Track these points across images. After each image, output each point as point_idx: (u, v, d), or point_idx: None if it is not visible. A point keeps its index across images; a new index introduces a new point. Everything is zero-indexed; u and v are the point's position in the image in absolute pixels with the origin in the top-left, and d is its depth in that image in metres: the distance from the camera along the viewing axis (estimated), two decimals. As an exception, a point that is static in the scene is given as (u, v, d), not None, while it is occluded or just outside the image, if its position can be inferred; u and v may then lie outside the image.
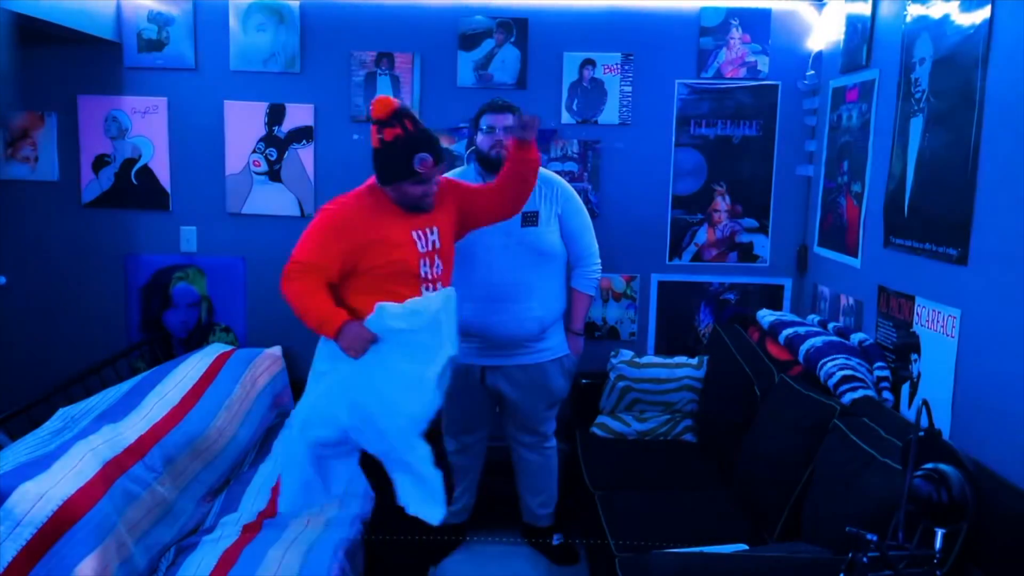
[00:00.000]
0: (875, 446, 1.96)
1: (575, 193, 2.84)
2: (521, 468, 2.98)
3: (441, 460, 2.14)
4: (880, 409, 2.19)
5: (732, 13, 3.27)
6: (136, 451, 2.20)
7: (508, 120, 2.65)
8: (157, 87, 3.31)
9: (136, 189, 3.36)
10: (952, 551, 1.39)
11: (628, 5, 3.28)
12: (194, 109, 3.32)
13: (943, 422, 2.08)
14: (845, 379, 2.33)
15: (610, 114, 3.33)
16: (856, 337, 2.58)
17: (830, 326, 2.82)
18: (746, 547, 2.00)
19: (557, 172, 3.15)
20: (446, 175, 2.54)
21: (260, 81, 3.32)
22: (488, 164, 2.65)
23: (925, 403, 1.47)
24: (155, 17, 3.27)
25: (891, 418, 2.11)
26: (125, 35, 3.27)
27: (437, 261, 2.26)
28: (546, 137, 3.32)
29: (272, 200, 3.36)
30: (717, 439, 2.91)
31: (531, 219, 2.69)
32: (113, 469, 2.07)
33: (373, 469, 2.22)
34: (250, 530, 2.32)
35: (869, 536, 1.26)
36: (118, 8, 3.25)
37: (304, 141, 3.35)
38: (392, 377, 2.08)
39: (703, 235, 3.40)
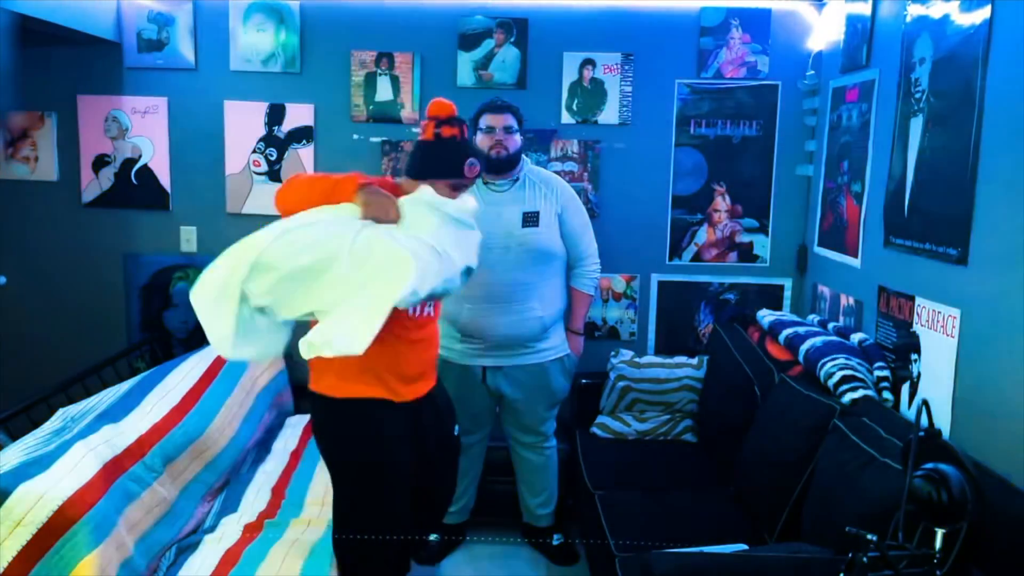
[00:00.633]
0: (875, 446, 1.96)
1: (575, 193, 2.84)
2: (521, 468, 2.99)
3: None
4: (880, 409, 2.19)
5: (732, 13, 3.27)
6: (136, 451, 2.20)
7: (507, 120, 2.65)
8: (157, 87, 3.31)
9: (136, 189, 3.36)
10: (952, 551, 1.38)
11: (628, 5, 3.28)
12: (194, 109, 3.32)
13: (943, 422, 2.08)
14: (845, 379, 2.33)
15: (610, 114, 3.33)
16: (856, 337, 2.58)
17: (830, 326, 2.82)
18: (746, 547, 2.01)
19: (557, 172, 3.16)
20: None
21: (260, 81, 3.32)
22: (487, 164, 2.65)
23: (925, 403, 1.47)
24: (155, 17, 3.27)
25: (891, 418, 2.11)
26: (125, 35, 3.27)
27: None
28: (546, 137, 3.32)
29: (272, 200, 3.35)
30: (717, 439, 2.91)
31: (531, 220, 2.70)
32: (113, 469, 2.06)
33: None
34: (251, 530, 2.33)
35: (869, 536, 1.26)
36: (118, 8, 3.24)
37: (304, 141, 3.35)
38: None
39: (703, 235, 3.40)
